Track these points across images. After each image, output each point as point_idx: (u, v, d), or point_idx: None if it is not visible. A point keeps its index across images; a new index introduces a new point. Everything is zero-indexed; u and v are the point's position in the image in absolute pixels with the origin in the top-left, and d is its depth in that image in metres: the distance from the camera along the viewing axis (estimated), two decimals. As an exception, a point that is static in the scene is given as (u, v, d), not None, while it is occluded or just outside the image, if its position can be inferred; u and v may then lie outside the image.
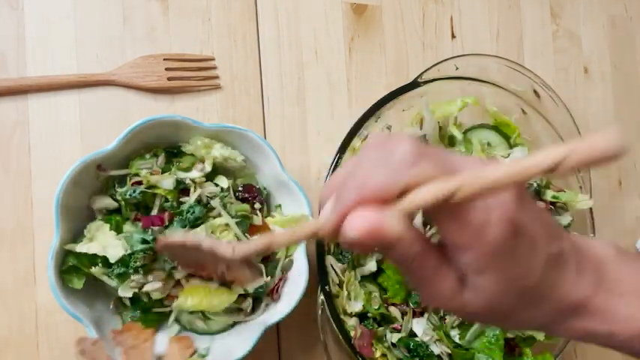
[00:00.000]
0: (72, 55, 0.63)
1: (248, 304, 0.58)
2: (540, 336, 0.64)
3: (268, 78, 0.70)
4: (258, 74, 0.70)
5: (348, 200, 0.26)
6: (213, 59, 0.68)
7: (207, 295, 0.55)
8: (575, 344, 0.79)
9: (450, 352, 0.64)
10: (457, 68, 0.66)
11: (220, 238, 0.57)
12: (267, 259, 0.61)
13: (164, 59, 0.66)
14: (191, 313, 0.57)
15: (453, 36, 0.79)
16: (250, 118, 0.69)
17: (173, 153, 0.59)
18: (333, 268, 0.61)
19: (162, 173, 0.57)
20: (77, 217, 0.54)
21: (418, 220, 0.65)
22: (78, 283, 0.53)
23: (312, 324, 0.66)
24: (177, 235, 0.42)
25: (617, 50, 0.87)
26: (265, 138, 0.68)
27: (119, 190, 0.55)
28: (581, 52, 0.85)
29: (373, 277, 0.65)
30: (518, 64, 0.70)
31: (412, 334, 0.65)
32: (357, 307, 0.62)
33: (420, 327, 0.64)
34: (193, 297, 0.54)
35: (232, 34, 0.69)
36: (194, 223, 0.55)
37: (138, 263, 0.53)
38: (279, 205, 0.62)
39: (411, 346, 0.62)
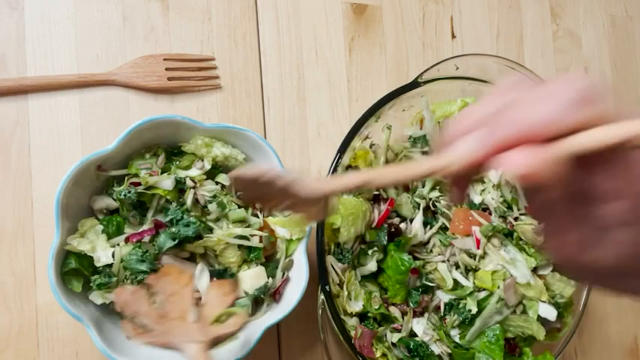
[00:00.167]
0: (72, 55, 0.63)
1: (247, 305, 0.58)
2: (540, 336, 0.64)
3: (268, 78, 0.70)
4: (258, 74, 0.70)
5: (505, 135, 0.25)
6: (213, 59, 0.68)
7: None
8: (576, 344, 0.79)
9: (450, 352, 0.64)
10: (457, 68, 0.66)
11: (222, 255, 0.57)
12: (268, 259, 0.61)
13: (164, 59, 0.66)
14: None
15: (453, 36, 0.79)
16: (250, 118, 0.69)
17: (173, 153, 0.59)
18: (333, 268, 0.61)
19: (162, 173, 0.57)
20: (77, 217, 0.54)
21: (418, 219, 0.65)
22: (77, 286, 0.53)
23: (312, 324, 0.67)
24: (253, 169, 0.37)
25: (617, 50, 0.87)
26: (265, 138, 0.68)
27: (116, 189, 0.55)
28: (581, 52, 0.85)
29: (373, 277, 0.65)
30: (518, 64, 0.70)
31: (412, 334, 0.65)
32: (357, 307, 0.62)
33: (420, 327, 0.64)
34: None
35: (232, 34, 0.69)
36: (185, 239, 0.55)
37: (137, 279, 0.54)
38: (280, 205, 0.62)
39: (411, 346, 0.62)
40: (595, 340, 0.81)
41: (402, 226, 0.65)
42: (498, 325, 0.64)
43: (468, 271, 0.65)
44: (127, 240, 0.55)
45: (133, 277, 0.54)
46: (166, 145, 0.59)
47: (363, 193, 0.63)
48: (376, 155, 0.65)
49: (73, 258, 0.53)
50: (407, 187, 0.69)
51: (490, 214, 0.67)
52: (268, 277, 0.59)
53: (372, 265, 0.63)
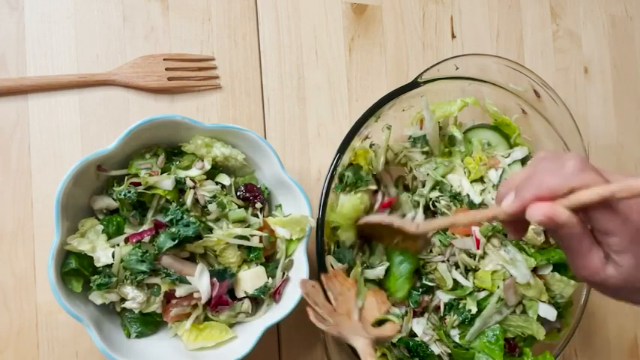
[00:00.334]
0: (72, 55, 0.63)
1: (247, 305, 0.58)
2: (540, 336, 0.64)
3: (268, 78, 0.70)
4: (258, 74, 0.70)
5: (528, 195, 0.39)
6: (213, 59, 0.68)
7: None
8: (576, 344, 0.79)
9: (449, 352, 0.64)
10: (457, 68, 0.66)
11: (222, 255, 0.57)
12: (268, 259, 0.61)
13: (164, 59, 0.66)
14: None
15: (453, 36, 0.79)
16: (250, 118, 0.69)
17: (173, 153, 0.59)
18: (333, 268, 0.61)
19: (162, 173, 0.57)
20: (77, 217, 0.54)
21: (419, 217, 0.65)
22: (77, 287, 0.53)
23: (312, 324, 0.66)
24: (375, 216, 0.58)
25: (617, 50, 0.87)
26: (265, 138, 0.68)
27: (116, 189, 0.55)
28: (581, 52, 0.85)
29: (378, 283, 0.65)
30: (518, 64, 0.70)
31: (412, 334, 0.65)
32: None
33: (420, 327, 0.64)
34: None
35: (232, 34, 0.69)
36: (185, 239, 0.55)
37: (136, 279, 0.54)
38: (280, 205, 0.62)
39: (411, 346, 0.62)
40: (595, 340, 0.81)
41: None
42: (498, 325, 0.64)
43: (468, 271, 0.65)
44: (126, 240, 0.55)
45: (132, 278, 0.54)
46: (166, 145, 0.59)
47: (362, 187, 0.63)
48: (376, 154, 0.65)
49: (73, 258, 0.53)
50: (407, 187, 0.69)
51: None
52: (268, 277, 0.59)
53: (379, 271, 0.63)
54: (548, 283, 0.65)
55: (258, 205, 0.60)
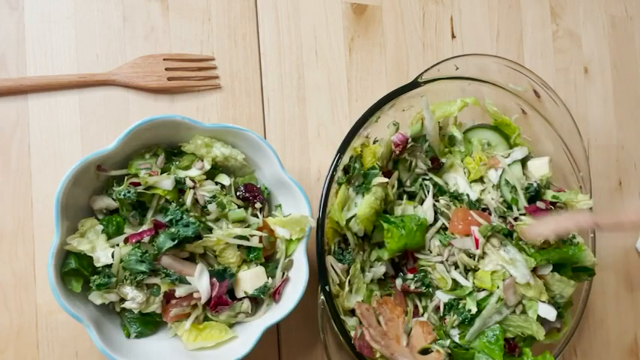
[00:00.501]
0: (72, 55, 0.63)
1: (247, 305, 0.58)
2: (540, 336, 0.64)
3: (268, 78, 0.70)
4: (258, 74, 0.70)
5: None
6: (213, 59, 0.68)
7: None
8: (576, 344, 0.79)
9: (449, 351, 0.64)
10: (457, 68, 0.66)
11: (222, 255, 0.57)
12: (268, 259, 0.61)
13: (164, 59, 0.66)
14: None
15: (453, 36, 0.79)
16: (250, 118, 0.69)
17: (173, 153, 0.59)
18: (333, 268, 0.61)
19: (161, 173, 0.56)
20: (77, 217, 0.54)
21: (429, 201, 0.66)
22: (77, 287, 0.53)
23: (312, 324, 0.67)
24: (545, 229, 0.61)
25: (617, 50, 0.87)
26: (265, 138, 0.68)
27: (115, 189, 0.55)
28: (581, 52, 0.85)
29: (378, 282, 0.65)
30: (518, 64, 0.70)
31: (412, 334, 0.65)
32: (357, 301, 0.62)
33: (420, 327, 0.64)
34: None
35: (232, 34, 0.69)
36: (184, 239, 0.55)
37: (136, 279, 0.54)
38: (279, 205, 0.62)
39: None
40: (595, 340, 0.81)
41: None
42: (498, 325, 0.64)
43: (468, 271, 0.65)
44: (126, 240, 0.55)
45: (132, 278, 0.54)
46: (166, 145, 0.59)
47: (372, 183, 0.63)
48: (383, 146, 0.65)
49: (72, 258, 0.53)
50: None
51: (490, 214, 0.67)
52: (268, 277, 0.59)
53: (379, 270, 0.63)
54: (548, 283, 0.65)
55: (258, 205, 0.60)
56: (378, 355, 0.60)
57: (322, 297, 0.58)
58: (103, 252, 0.53)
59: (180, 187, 0.57)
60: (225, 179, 0.60)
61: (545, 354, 0.64)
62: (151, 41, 0.66)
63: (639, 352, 0.83)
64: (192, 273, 0.55)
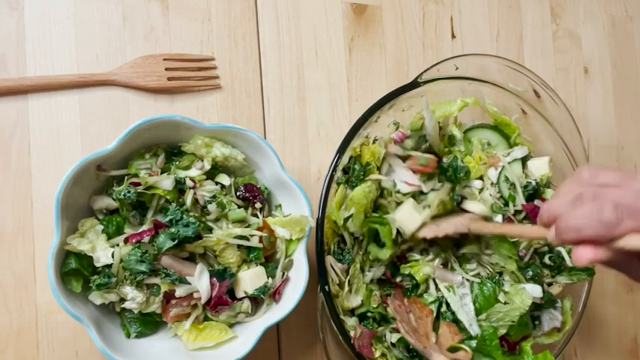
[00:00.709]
0: (72, 55, 0.63)
1: (247, 305, 0.58)
2: (526, 304, 0.64)
3: (268, 78, 0.70)
4: (258, 74, 0.70)
5: (569, 239, 0.44)
6: (213, 59, 0.68)
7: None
8: (576, 344, 0.79)
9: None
10: (457, 68, 0.66)
11: (222, 255, 0.57)
12: (268, 259, 0.61)
13: (164, 59, 0.66)
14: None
15: (453, 36, 0.79)
16: (250, 118, 0.69)
17: (173, 153, 0.59)
18: (333, 268, 0.61)
19: (161, 173, 0.57)
20: (77, 217, 0.54)
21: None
22: (77, 287, 0.53)
23: (312, 324, 0.67)
24: (430, 231, 0.61)
25: (617, 50, 0.87)
26: (265, 138, 0.68)
27: (115, 189, 0.55)
28: (581, 52, 0.85)
29: (378, 282, 0.65)
30: (518, 64, 0.70)
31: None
32: (356, 301, 0.62)
33: (420, 327, 0.64)
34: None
35: (232, 34, 0.69)
36: (184, 239, 0.55)
37: (136, 279, 0.54)
38: (279, 205, 0.62)
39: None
40: (595, 340, 0.81)
41: None
42: (489, 324, 0.64)
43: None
44: (126, 240, 0.55)
45: (132, 278, 0.54)
46: (166, 145, 0.59)
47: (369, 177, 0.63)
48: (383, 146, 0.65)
49: (72, 258, 0.53)
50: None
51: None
52: (268, 277, 0.59)
53: (378, 271, 0.63)
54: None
55: (258, 205, 0.60)
56: (378, 354, 0.60)
57: (322, 297, 0.58)
58: (103, 252, 0.53)
59: (180, 187, 0.57)
60: (225, 179, 0.60)
61: (546, 353, 0.64)
62: (151, 41, 0.66)
63: (639, 352, 0.83)
64: (192, 273, 0.55)
